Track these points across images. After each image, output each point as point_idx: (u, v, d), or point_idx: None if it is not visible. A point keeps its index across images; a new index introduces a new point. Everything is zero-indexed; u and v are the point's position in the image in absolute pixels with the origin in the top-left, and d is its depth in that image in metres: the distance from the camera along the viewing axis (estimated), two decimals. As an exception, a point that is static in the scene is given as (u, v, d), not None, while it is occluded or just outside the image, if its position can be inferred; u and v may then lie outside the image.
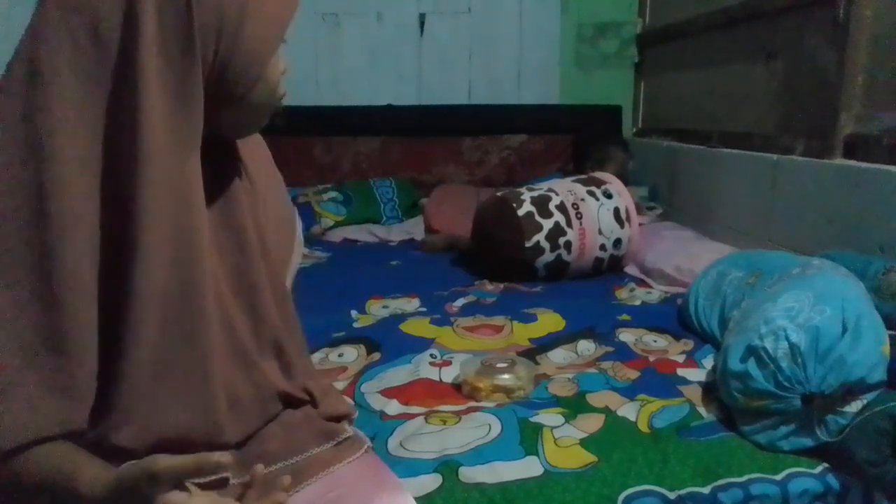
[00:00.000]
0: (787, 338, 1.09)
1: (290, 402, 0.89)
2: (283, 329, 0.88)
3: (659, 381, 1.34)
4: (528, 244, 2.05)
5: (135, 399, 0.72)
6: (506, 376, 1.28)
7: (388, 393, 1.29)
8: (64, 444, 0.70)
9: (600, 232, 2.12)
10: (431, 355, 1.45)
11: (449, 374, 1.36)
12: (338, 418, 0.93)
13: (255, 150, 0.91)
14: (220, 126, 0.76)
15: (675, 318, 1.72)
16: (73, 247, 0.66)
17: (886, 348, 1.10)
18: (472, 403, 1.25)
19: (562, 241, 2.07)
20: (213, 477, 0.78)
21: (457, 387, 1.31)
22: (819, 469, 1.07)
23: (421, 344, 1.52)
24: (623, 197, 2.19)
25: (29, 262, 0.65)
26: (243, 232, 0.82)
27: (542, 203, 2.10)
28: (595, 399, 1.26)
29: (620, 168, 2.84)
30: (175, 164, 0.70)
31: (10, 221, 0.65)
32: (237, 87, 0.73)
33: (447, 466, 1.04)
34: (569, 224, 2.08)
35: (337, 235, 2.78)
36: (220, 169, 0.81)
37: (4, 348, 0.64)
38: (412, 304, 1.87)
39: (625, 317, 1.73)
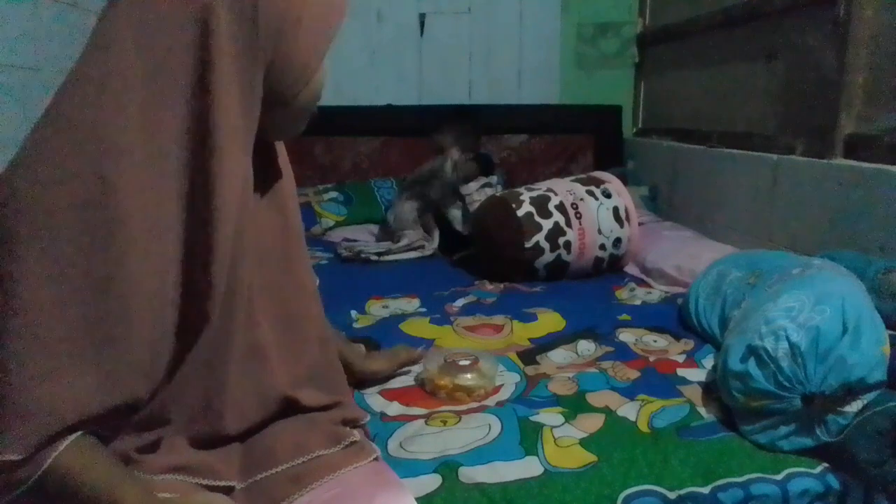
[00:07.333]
0: (787, 338, 1.09)
1: (296, 408, 0.89)
2: (305, 337, 0.90)
3: (659, 381, 1.34)
4: (528, 244, 2.05)
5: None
6: (468, 375, 1.27)
7: (389, 394, 1.28)
8: (108, 460, 0.70)
9: (600, 231, 2.12)
10: (432, 355, 1.45)
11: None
12: (346, 423, 0.94)
13: (283, 151, 0.94)
14: (266, 128, 0.78)
15: (675, 318, 1.72)
16: (133, 240, 0.66)
17: (886, 348, 1.10)
18: (473, 404, 1.25)
19: (561, 241, 2.07)
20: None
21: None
22: (819, 469, 1.07)
23: (421, 344, 1.51)
24: (622, 196, 2.19)
25: (83, 256, 0.65)
26: (289, 229, 0.88)
27: (541, 203, 2.10)
28: (595, 399, 1.26)
29: (458, 143, 2.67)
30: (240, 164, 0.73)
31: (65, 212, 0.64)
32: (288, 91, 0.75)
33: (447, 466, 1.04)
34: (568, 224, 2.08)
35: (337, 235, 2.78)
36: (266, 168, 0.85)
37: (50, 337, 0.64)
38: (412, 304, 1.87)
39: (625, 317, 1.73)
